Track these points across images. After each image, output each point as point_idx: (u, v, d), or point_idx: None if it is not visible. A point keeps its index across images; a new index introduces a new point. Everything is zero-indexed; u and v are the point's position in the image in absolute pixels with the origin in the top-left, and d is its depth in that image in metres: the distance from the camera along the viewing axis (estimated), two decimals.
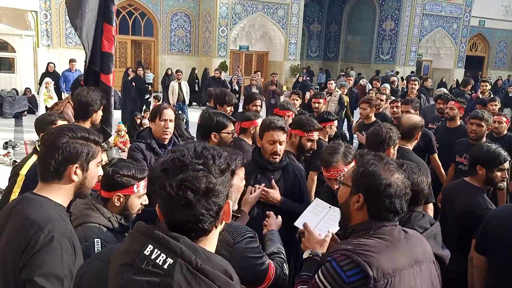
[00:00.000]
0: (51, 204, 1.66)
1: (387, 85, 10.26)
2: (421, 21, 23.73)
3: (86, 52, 3.85)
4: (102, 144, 2.02)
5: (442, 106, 5.85)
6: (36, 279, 1.50)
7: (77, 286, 1.34)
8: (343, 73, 18.81)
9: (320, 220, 2.22)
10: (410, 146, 3.71)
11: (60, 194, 1.71)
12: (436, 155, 4.88)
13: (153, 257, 1.08)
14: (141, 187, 2.20)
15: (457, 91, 10.28)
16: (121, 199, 2.15)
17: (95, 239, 1.98)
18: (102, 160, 1.84)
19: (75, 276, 1.32)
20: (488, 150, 3.01)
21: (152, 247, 1.09)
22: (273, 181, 2.85)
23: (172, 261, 1.07)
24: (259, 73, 15.03)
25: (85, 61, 3.94)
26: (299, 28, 21.49)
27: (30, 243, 1.53)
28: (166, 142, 3.43)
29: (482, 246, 2.53)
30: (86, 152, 1.71)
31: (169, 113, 3.38)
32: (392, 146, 3.13)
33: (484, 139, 4.48)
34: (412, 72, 20.78)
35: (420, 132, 3.94)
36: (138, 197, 2.21)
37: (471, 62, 26.96)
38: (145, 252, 1.09)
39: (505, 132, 5.16)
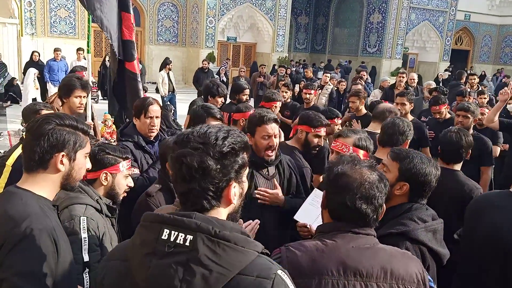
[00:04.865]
0: (33, 197, 1.56)
1: (387, 78, 10.20)
2: (407, 14, 23.78)
3: (111, 43, 3.81)
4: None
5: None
6: (12, 278, 1.39)
7: None
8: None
9: (320, 214, 2.22)
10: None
11: (45, 186, 1.60)
12: (428, 149, 4.84)
13: (172, 239, 1.12)
14: (126, 166, 2.23)
15: (453, 83, 10.42)
16: (108, 178, 2.16)
17: (81, 217, 1.95)
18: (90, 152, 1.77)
19: (96, 281, 1.27)
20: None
21: (168, 231, 1.13)
22: (274, 180, 2.70)
23: (192, 237, 1.11)
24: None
25: (113, 51, 3.92)
26: (287, 20, 21.41)
27: (6, 240, 1.43)
28: (152, 139, 3.24)
29: None
30: (73, 140, 1.61)
31: (155, 109, 3.17)
32: (408, 141, 3.09)
33: (471, 130, 4.52)
34: (397, 67, 20.99)
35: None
36: (124, 177, 2.23)
37: (456, 56, 27.20)
38: (162, 237, 1.12)
39: None
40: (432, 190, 2.93)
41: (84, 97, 3.61)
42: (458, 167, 3.13)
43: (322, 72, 12.59)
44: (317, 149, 3.46)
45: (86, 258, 1.88)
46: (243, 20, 21.36)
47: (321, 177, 3.68)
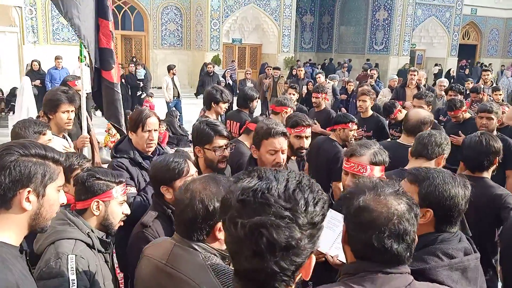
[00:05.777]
0: None
1: (395, 77, 9.91)
2: (414, 11, 23.48)
3: (88, 51, 3.65)
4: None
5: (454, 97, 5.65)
6: None
7: None
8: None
9: (337, 237, 1.97)
10: None
11: (7, 229, 1.34)
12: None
13: None
14: (120, 191, 1.97)
15: (462, 74, 10.16)
16: (101, 207, 1.91)
17: (69, 255, 1.70)
18: (64, 184, 1.49)
19: None
20: None
21: None
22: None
23: None
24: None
25: (89, 59, 3.76)
26: (292, 20, 21.14)
27: None
28: (150, 154, 2.99)
29: None
30: (41, 173, 1.36)
31: (153, 122, 2.94)
32: (444, 155, 2.78)
33: (495, 132, 4.21)
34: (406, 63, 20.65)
35: (430, 128, 3.70)
36: (119, 204, 1.98)
37: (464, 51, 26.82)
38: None
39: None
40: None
41: (72, 111, 3.39)
42: (486, 174, 2.86)
43: (338, 71, 12.55)
44: (303, 152, 3.23)
45: None
46: (248, 21, 21.13)
47: (340, 184, 3.42)
